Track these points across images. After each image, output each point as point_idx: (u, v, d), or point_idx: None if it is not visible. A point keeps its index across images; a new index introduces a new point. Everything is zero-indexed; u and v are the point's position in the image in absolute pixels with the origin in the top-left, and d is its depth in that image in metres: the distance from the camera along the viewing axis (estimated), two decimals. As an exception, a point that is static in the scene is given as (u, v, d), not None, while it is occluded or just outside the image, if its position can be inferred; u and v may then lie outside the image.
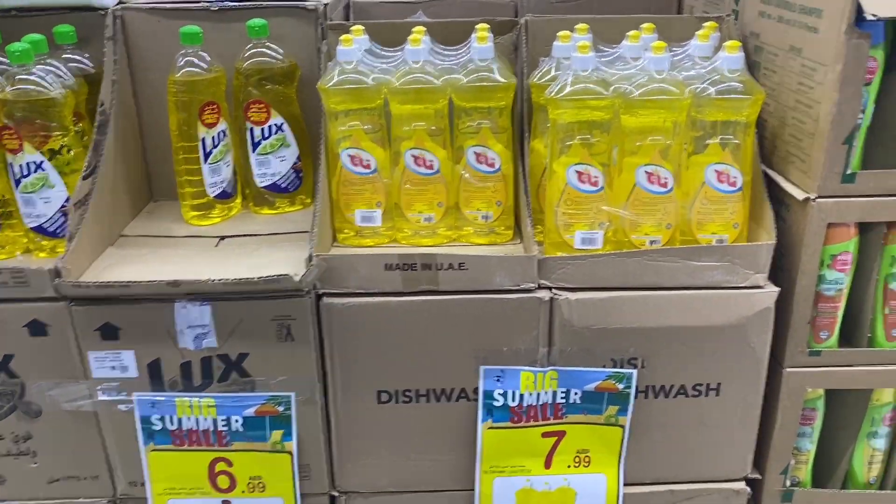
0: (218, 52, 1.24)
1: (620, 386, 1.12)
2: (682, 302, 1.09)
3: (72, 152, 1.14)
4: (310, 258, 1.06)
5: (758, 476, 1.21)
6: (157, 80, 1.27)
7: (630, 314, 1.09)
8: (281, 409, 1.11)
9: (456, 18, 1.30)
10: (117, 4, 1.27)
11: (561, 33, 1.16)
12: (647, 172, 1.09)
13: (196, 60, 1.20)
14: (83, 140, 1.21)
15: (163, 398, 1.11)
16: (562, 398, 1.13)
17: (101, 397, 1.11)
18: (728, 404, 1.15)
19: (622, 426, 1.14)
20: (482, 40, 1.16)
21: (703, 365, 1.12)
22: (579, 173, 1.09)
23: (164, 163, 1.32)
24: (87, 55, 1.27)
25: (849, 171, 1.03)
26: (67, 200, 1.13)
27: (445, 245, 1.22)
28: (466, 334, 1.09)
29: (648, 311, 1.09)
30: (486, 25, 1.20)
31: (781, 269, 1.11)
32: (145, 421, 1.12)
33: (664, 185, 1.09)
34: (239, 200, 1.34)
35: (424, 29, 1.21)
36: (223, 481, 1.16)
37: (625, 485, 1.18)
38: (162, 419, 1.12)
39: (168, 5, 1.28)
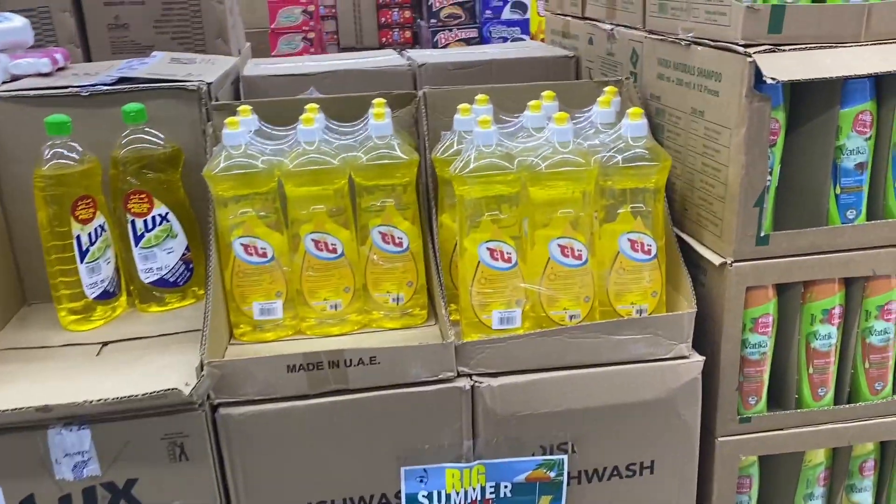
0: (91, 141, 1.13)
1: (552, 474, 1.05)
2: (607, 379, 1.03)
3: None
4: (201, 366, 0.96)
5: (699, 551, 1.16)
6: (23, 174, 1.15)
7: (555, 396, 1.02)
8: (179, 537, 0.98)
9: (351, 93, 1.24)
10: (-27, 93, 1.15)
11: (461, 106, 1.12)
12: (560, 246, 1.04)
13: (65, 151, 1.09)
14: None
15: (38, 539, 0.96)
16: (491, 493, 1.05)
17: (-36, 545, 0.96)
18: (664, 481, 1.09)
19: (557, 516, 1.07)
20: (380, 116, 1.10)
21: (635, 443, 1.07)
22: (491, 250, 1.03)
23: (38, 262, 1.19)
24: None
25: (762, 234, 1.01)
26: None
27: (355, 332, 1.14)
28: (383, 434, 1.00)
29: (574, 392, 1.03)
30: (382, 100, 1.14)
31: (704, 335, 1.08)
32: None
33: (579, 258, 1.04)
34: (124, 298, 1.21)
35: (317, 106, 1.14)
36: None
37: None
38: (38, 563, 0.97)
39: (33, 92, 1.17)
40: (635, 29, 1.26)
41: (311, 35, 3.77)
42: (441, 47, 3.95)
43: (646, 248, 1.06)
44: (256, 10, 3.84)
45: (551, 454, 1.04)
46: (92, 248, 1.12)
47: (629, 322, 1.03)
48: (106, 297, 1.16)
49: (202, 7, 1.55)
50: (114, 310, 1.19)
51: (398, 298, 1.14)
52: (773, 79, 0.91)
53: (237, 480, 0.99)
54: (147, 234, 1.16)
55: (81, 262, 1.12)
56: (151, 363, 1.04)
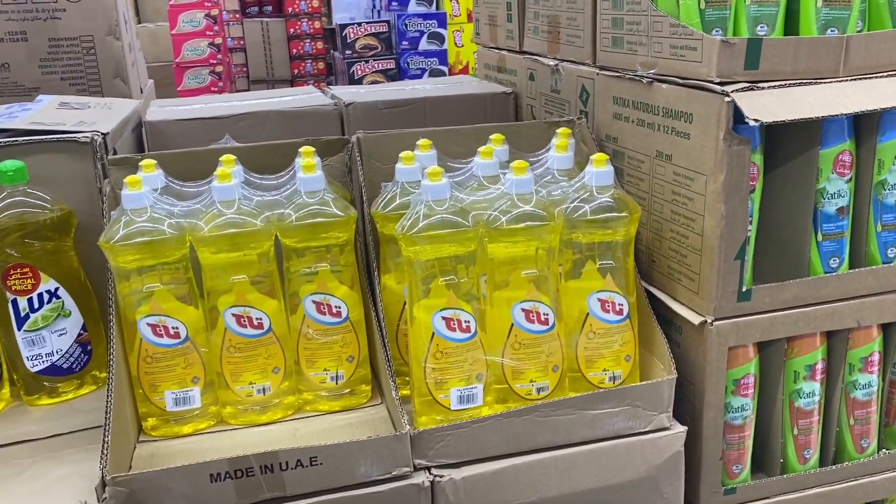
0: (-42, 206, 0.94)
1: (526, 574, 0.91)
2: (584, 460, 0.91)
3: None
4: (102, 482, 0.78)
5: None
6: None
7: (527, 486, 0.89)
8: None
9: (272, 141, 1.09)
10: None
11: (404, 154, 0.98)
12: (524, 310, 0.92)
13: (-76, 220, 0.90)
14: None
15: None
16: None
17: None
18: (648, 568, 0.97)
19: None
20: (309, 168, 0.96)
21: (615, 529, 0.94)
22: (447, 320, 0.90)
23: None
24: None
25: (744, 288, 0.92)
26: None
27: (288, 419, 0.98)
28: (329, 547, 0.85)
29: (548, 478, 0.90)
30: (311, 149, 1.00)
31: (681, 401, 0.97)
32: None
33: (545, 323, 0.92)
34: (7, 391, 1.02)
35: (234, 158, 0.99)
36: None
37: None
38: None
39: None
40: (584, 64, 1.16)
41: (220, 68, 3.57)
42: (358, 79, 3.83)
43: (617, 307, 0.95)
44: (160, 43, 3.62)
45: (525, 551, 0.91)
46: (-38, 336, 0.93)
47: (606, 394, 0.91)
48: (-18, 391, 0.97)
49: (96, 43, 1.37)
50: (-7, 406, 0.99)
51: (337, 377, 0.99)
52: (755, 120, 0.81)
53: None
54: (33, 315, 0.98)
55: (-52, 353, 0.92)
56: (40, 477, 0.86)
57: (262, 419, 0.98)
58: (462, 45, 4.02)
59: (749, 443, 1.00)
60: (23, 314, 0.97)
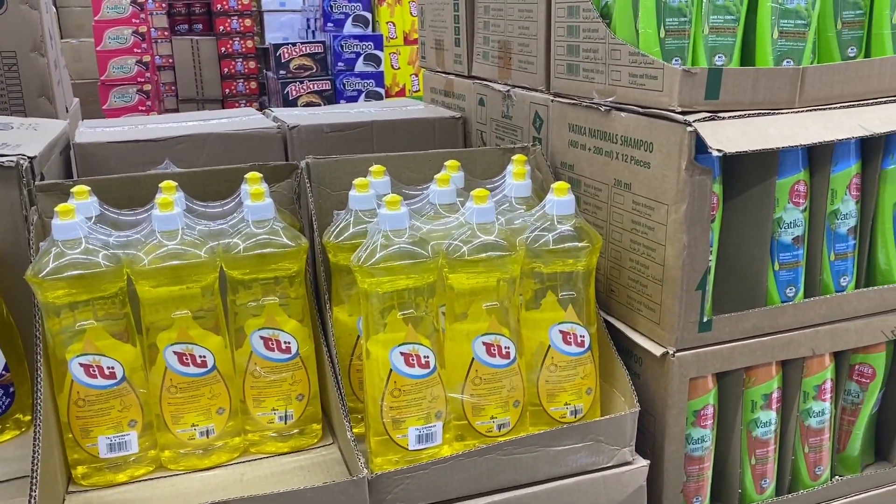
0: None
1: None
2: (548, 498, 0.88)
3: None
4: (30, 545, 0.70)
5: None
6: None
7: (490, 528, 0.86)
8: None
9: (215, 166, 1.03)
10: None
11: (358, 181, 0.94)
12: (485, 343, 0.88)
13: None
14: None
15: None
16: None
17: None
18: None
19: None
20: (258, 196, 0.90)
21: (578, 569, 0.91)
22: (405, 355, 0.86)
23: None
24: None
25: (705, 319, 0.91)
26: None
27: (233, 462, 0.92)
28: None
29: (511, 519, 0.86)
30: (258, 175, 0.95)
31: (642, 433, 0.95)
32: None
33: (506, 356, 0.89)
34: (-86, 438, 0.92)
35: (175, 184, 0.93)
36: None
37: None
38: None
39: None
40: (537, 91, 1.15)
41: (148, 87, 3.46)
42: (293, 100, 3.76)
43: (579, 339, 0.92)
44: (83, 60, 3.48)
45: None
46: None
47: (569, 430, 0.88)
48: None
49: (19, 60, 1.28)
50: None
51: (286, 416, 0.94)
52: (719, 150, 0.81)
53: None
54: (-54, 355, 0.89)
55: None
56: (-46, 538, 0.77)
57: (206, 463, 0.91)
58: (399, 68, 4.01)
59: (709, 474, 0.99)
60: (-64, 354, 0.89)
